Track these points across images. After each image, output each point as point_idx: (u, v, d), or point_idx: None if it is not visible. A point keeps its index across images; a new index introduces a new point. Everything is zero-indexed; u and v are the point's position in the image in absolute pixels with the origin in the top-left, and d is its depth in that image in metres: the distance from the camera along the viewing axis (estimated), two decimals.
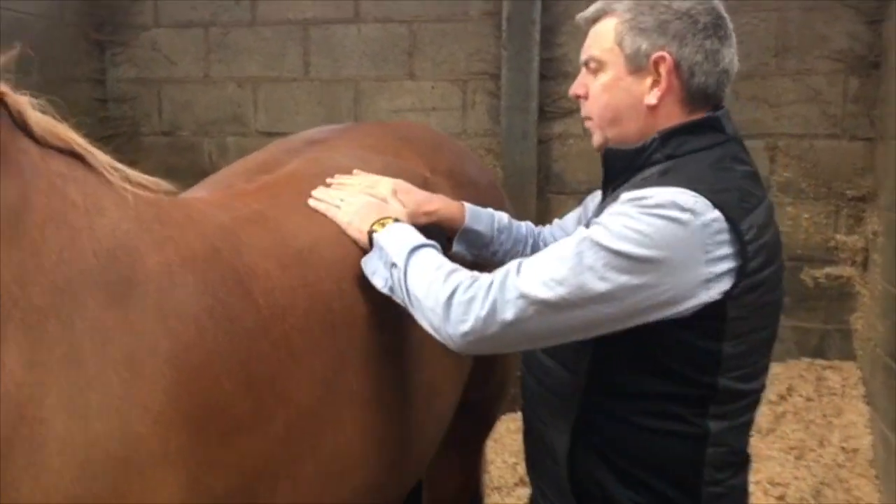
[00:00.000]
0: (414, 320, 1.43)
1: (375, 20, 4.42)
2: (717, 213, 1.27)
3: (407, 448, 1.70)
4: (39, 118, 1.20)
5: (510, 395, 2.52)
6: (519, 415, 1.84)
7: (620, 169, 1.47)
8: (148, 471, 1.11)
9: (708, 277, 1.27)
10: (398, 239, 1.49)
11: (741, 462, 1.48)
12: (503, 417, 3.63)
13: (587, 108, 1.51)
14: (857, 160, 3.94)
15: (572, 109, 4.07)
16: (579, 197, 4.32)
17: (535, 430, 1.60)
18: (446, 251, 1.55)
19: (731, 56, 1.43)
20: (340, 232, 1.59)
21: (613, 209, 1.32)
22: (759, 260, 1.32)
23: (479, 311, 1.29)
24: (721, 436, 1.40)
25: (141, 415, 1.11)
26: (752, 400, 1.44)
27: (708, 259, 1.27)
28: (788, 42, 3.96)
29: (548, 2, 4.13)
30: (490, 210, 1.83)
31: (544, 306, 1.27)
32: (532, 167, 4.21)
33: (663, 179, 1.35)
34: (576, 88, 1.53)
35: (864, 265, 3.96)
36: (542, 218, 4.27)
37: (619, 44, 1.43)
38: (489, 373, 2.19)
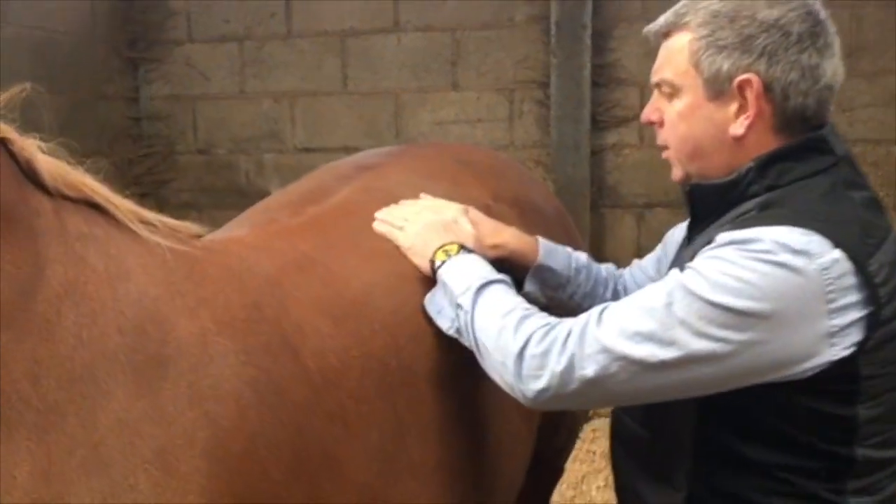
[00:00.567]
0: (479, 372, 1.34)
1: (416, 29, 4.38)
2: (837, 254, 1.14)
3: None
4: (51, 165, 1.07)
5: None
6: None
7: (711, 207, 1.33)
8: None
9: (831, 331, 1.14)
10: (464, 273, 1.39)
11: None
12: None
13: (663, 137, 1.38)
14: None
15: (627, 118, 4.04)
16: (636, 211, 4.22)
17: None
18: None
19: (833, 68, 1.26)
20: (396, 275, 1.48)
21: (709, 253, 1.19)
22: (895, 305, 1.17)
23: (554, 365, 1.20)
24: None
25: None
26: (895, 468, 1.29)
27: (830, 310, 1.13)
28: (863, 41, 3.81)
29: (599, 3, 4.06)
30: (566, 247, 1.69)
31: (629, 363, 1.17)
32: (585, 179, 4.13)
33: (765, 215, 1.22)
34: (648, 114, 1.39)
35: None
36: (597, 234, 4.17)
37: (696, 65, 1.27)
38: (559, 422, 2.08)
